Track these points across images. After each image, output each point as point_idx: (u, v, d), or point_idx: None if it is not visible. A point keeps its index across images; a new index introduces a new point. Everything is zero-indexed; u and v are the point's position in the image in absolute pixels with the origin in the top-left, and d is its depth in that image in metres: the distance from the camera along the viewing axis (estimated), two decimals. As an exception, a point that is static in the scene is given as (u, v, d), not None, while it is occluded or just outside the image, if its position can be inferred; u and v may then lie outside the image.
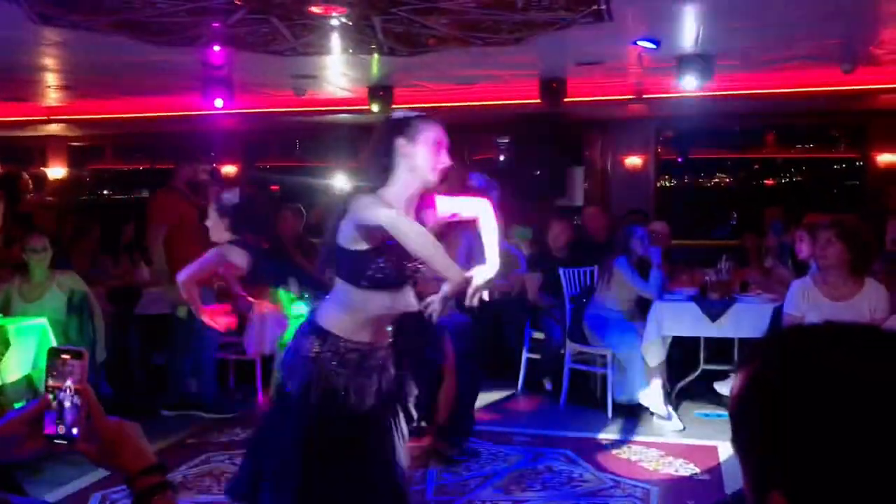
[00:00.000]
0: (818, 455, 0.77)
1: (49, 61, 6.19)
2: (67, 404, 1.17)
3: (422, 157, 2.53)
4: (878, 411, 0.76)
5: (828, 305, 3.83)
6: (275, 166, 11.61)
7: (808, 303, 3.88)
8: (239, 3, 4.40)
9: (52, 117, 8.84)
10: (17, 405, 4.25)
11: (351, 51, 5.64)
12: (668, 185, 9.22)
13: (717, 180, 9.74)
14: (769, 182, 9.62)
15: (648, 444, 4.82)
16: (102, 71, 6.44)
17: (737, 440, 0.87)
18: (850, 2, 4.45)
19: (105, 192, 10.96)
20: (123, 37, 5.05)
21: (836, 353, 0.81)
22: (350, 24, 4.85)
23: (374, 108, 7.06)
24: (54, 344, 4.57)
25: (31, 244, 5.03)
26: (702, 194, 9.55)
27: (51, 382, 1.18)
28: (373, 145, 2.63)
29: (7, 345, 4.33)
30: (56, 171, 10.27)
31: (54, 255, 5.11)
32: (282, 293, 5.10)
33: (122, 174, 11.35)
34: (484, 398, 5.32)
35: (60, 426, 1.17)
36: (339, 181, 8.64)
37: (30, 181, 8.34)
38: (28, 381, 4.45)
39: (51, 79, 6.92)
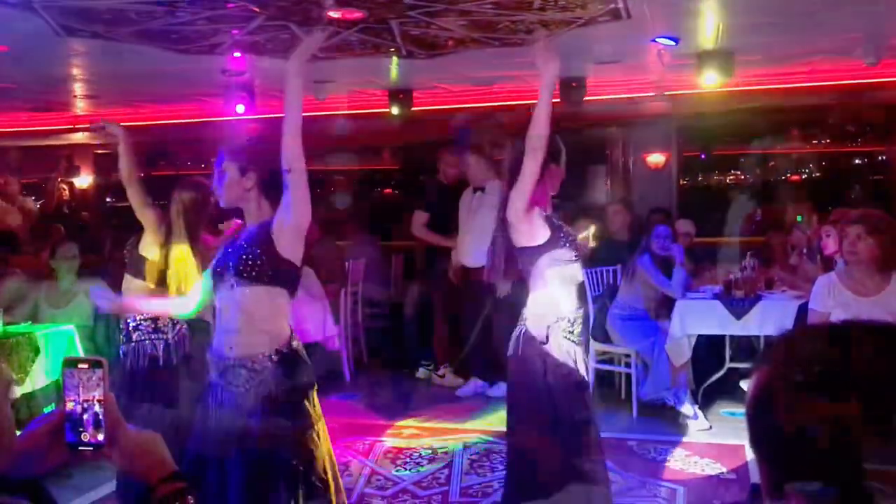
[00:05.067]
0: (833, 458, 0.76)
1: (75, 71, 6.28)
2: (89, 413, 1.16)
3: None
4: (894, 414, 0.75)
5: (854, 301, 3.76)
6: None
7: (834, 299, 3.81)
8: (257, 9, 4.43)
9: (77, 126, 8.97)
10: (46, 409, 4.32)
11: (370, 54, 5.66)
12: (687, 181, 9.13)
13: (740, 176, 9.62)
14: (794, 178, 9.48)
15: (674, 444, 4.80)
16: (127, 80, 6.52)
17: (753, 441, 0.87)
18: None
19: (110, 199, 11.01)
20: (145, 46, 5.11)
21: (853, 355, 0.80)
22: (368, 27, 4.86)
23: (394, 110, 7.06)
24: (81, 351, 4.64)
25: (61, 251, 5.10)
26: (725, 191, 9.43)
27: (70, 392, 1.17)
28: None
29: (37, 351, 4.40)
30: (82, 179, 10.43)
31: (97, 266, 5.18)
32: None
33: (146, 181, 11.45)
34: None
35: (84, 434, 1.16)
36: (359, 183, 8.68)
37: (66, 190, 8.48)
38: (57, 386, 4.51)
39: (76, 88, 7.02)
